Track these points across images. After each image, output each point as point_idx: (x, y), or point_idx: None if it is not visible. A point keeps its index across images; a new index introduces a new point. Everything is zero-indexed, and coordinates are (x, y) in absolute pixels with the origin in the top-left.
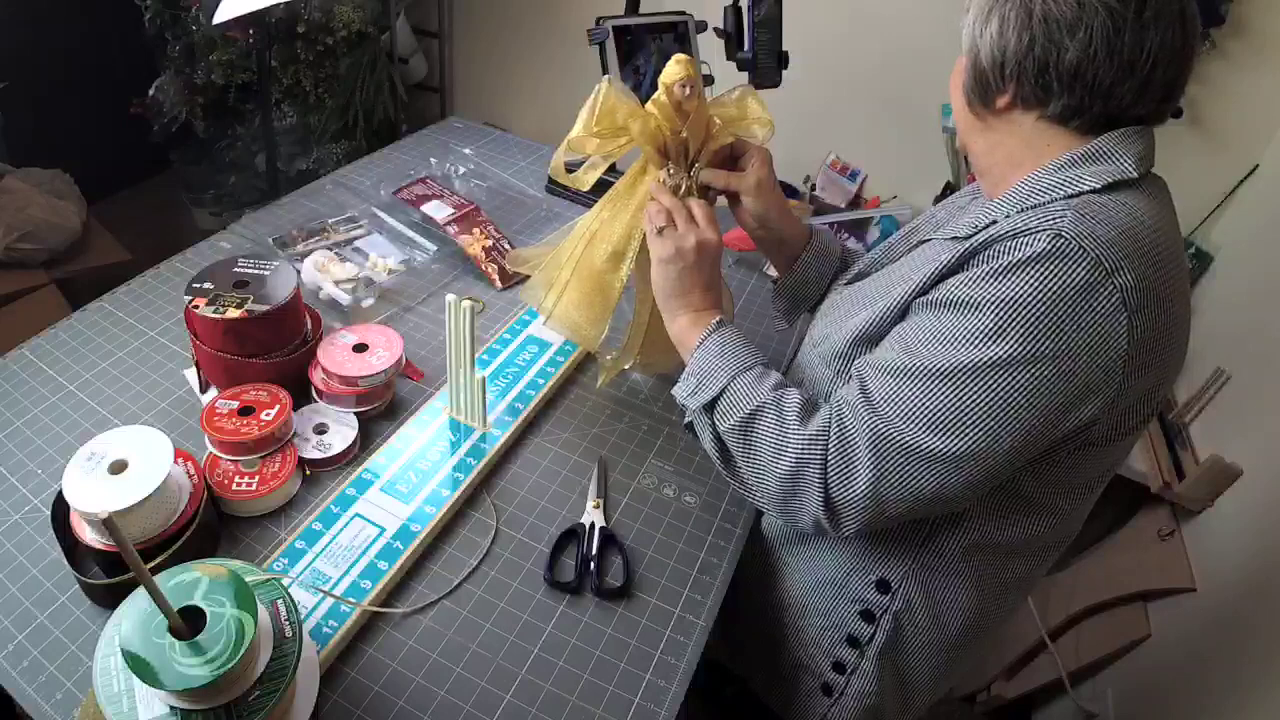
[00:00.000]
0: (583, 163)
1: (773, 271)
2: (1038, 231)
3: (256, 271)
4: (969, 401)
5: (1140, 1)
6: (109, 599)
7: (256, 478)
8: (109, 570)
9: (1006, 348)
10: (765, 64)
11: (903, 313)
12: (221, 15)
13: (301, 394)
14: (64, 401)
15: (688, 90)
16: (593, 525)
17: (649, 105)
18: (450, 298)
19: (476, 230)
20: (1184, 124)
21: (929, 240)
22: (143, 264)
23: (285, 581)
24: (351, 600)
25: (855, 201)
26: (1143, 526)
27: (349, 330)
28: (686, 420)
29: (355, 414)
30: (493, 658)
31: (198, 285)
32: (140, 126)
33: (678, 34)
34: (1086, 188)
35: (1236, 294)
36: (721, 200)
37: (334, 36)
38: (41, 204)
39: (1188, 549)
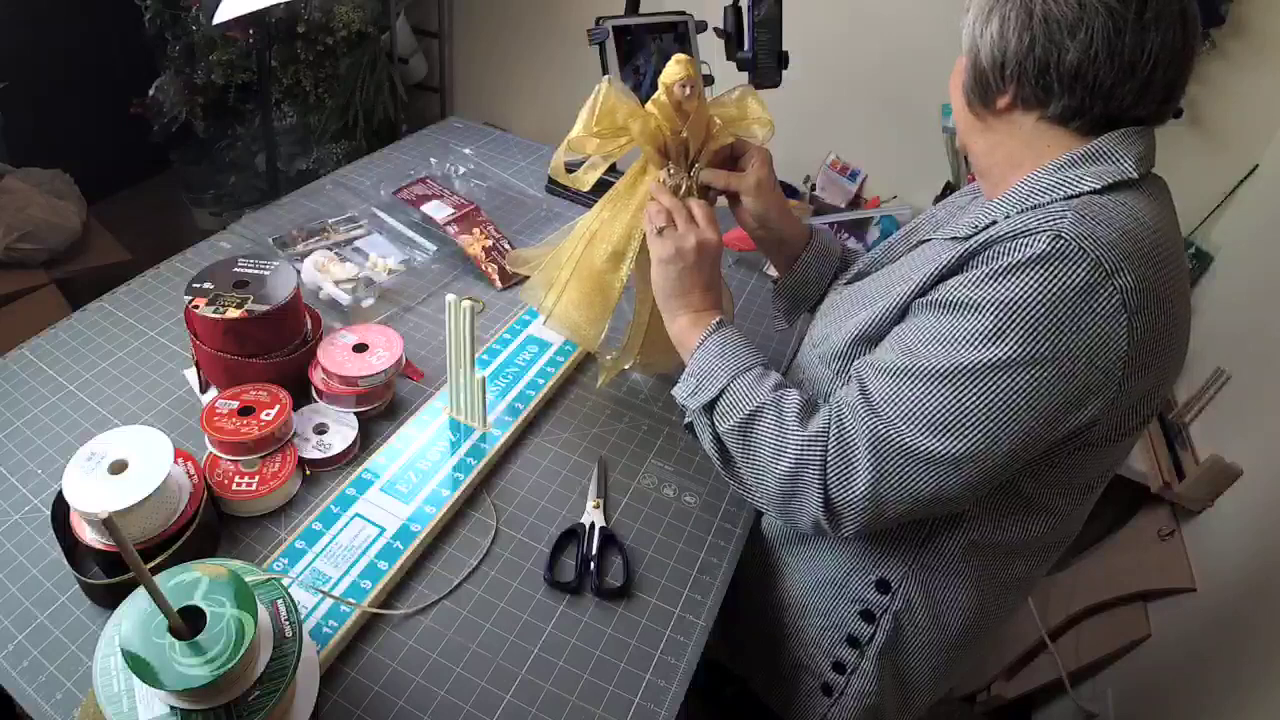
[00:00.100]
0: (583, 163)
1: (773, 271)
2: (1038, 232)
3: (256, 271)
4: (968, 403)
5: (1141, 2)
6: (109, 599)
7: (256, 478)
8: (109, 570)
9: (1006, 349)
10: (765, 64)
11: (902, 313)
12: (221, 15)
13: (301, 394)
14: (64, 401)
15: (688, 90)
16: (593, 525)
17: (649, 105)
18: (450, 298)
19: (476, 230)
20: (1184, 124)
21: (929, 240)
22: (143, 264)
23: (285, 581)
24: (351, 600)
25: (855, 201)
26: (1143, 526)
27: (349, 330)
28: (686, 421)
29: (355, 414)
30: (493, 658)
31: (198, 285)
32: (140, 126)
33: (678, 34)
34: (1086, 188)
35: (1236, 294)
36: (721, 200)
37: (334, 36)
38: (41, 204)
39: (1188, 549)
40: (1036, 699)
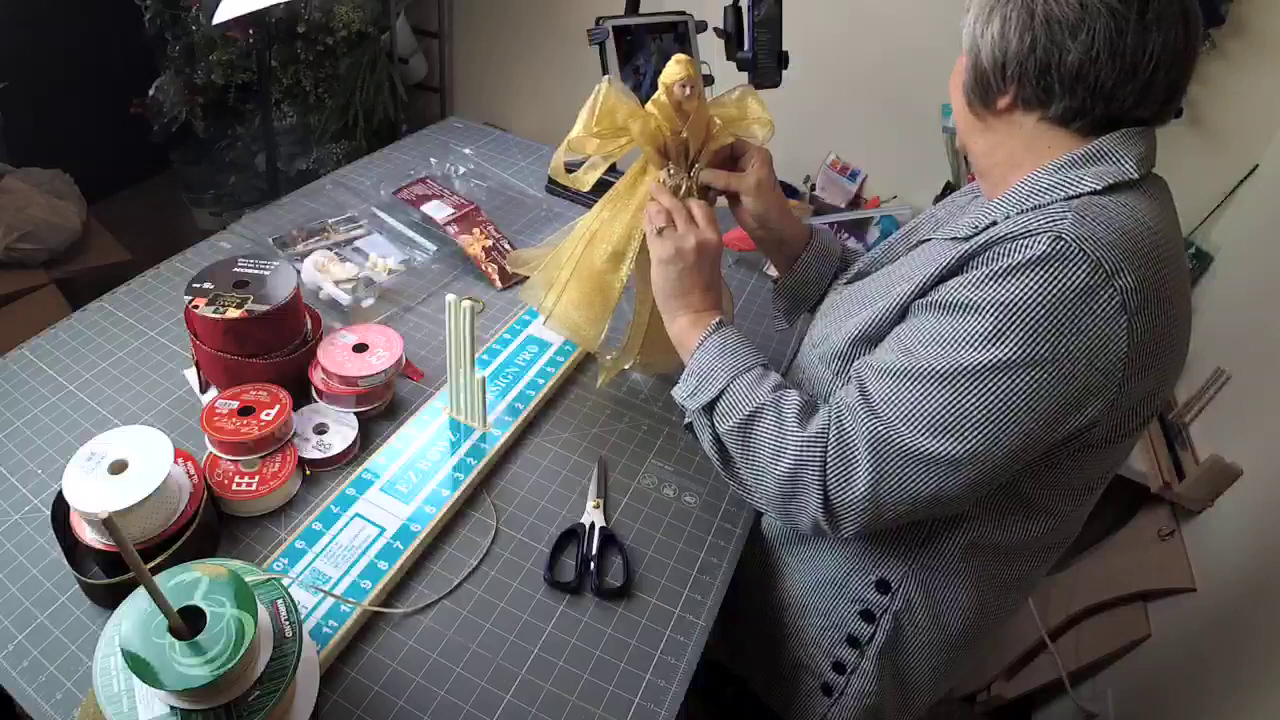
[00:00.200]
0: (583, 163)
1: (773, 271)
2: (1038, 234)
3: (256, 271)
4: (968, 404)
5: (1143, 3)
6: (109, 599)
7: (256, 478)
8: (109, 570)
9: (1006, 350)
10: (765, 64)
11: (902, 314)
12: (221, 15)
13: (301, 394)
14: (64, 401)
15: (688, 90)
16: (593, 525)
17: (649, 105)
18: (450, 298)
19: (476, 230)
20: (1184, 124)
21: (929, 240)
22: (143, 264)
23: (285, 581)
24: (351, 600)
25: (855, 201)
26: (1143, 526)
27: (349, 330)
28: (686, 421)
29: (355, 414)
30: (493, 658)
31: (198, 285)
32: (140, 126)
33: (678, 34)
34: (1087, 189)
35: (1236, 294)
36: (721, 200)
37: (334, 36)
38: (41, 204)
39: (1188, 549)
40: (1036, 699)
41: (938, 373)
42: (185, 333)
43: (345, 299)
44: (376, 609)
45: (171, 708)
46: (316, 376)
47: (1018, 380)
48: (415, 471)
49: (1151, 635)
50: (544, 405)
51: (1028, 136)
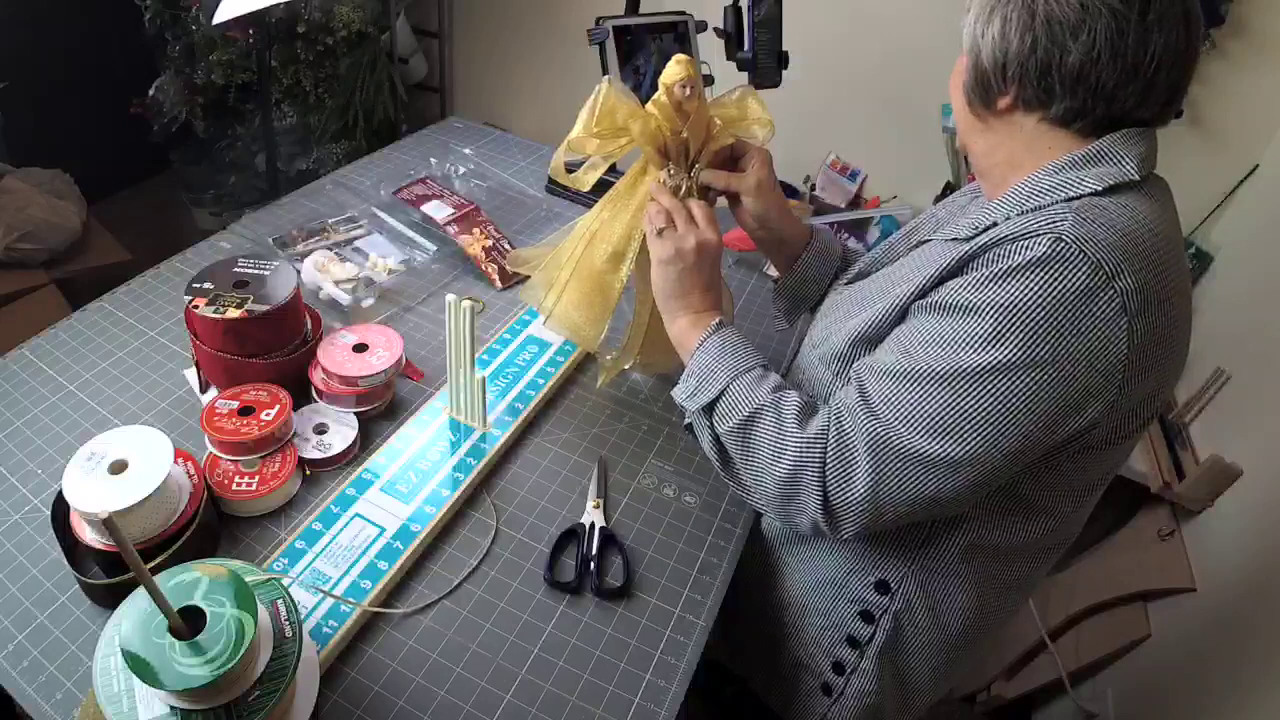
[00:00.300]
0: (583, 163)
1: (773, 271)
2: (1038, 235)
3: (256, 271)
4: (968, 406)
5: (1144, 3)
6: (109, 599)
7: (256, 478)
8: (109, 570)
9: (1006, 352)
10: (765, 64)
11: (902, 315)
12: (221, 15)
13: (301, 394)
14: (64, 401)
15: (688, 91)
16: (593, 525)
17: (649, 106)
18: (450, 298)
19: (476, 230)
20: (1184, 124)
21: (929, 241)
22: (143, 264)
23: (285, 581)
24: (351, 600)
25: (855, 201)
26: (1143, 526)
27: (349, 330)
28: (686, 422)
29: (355, 414)
30: (493, 658)
31: (198, 285)
32: (140, 126)
33: (678, 34)
34: (1087, 190)
35: (1236, 294)
36: (721, 201)
37: (334, 36)
38: (41, 204)
39: (1188, 549)
40: (1036, 699)
41: (937, 374)
42: (185, 333)
43: (345, 299)
44: (376, 609)
45: (171, 708)
46: (316, 376)
47: (1017, 382)
48: (415, 471)
49: (1151, 635)
50: (544, 405)
51: (1028, 137)
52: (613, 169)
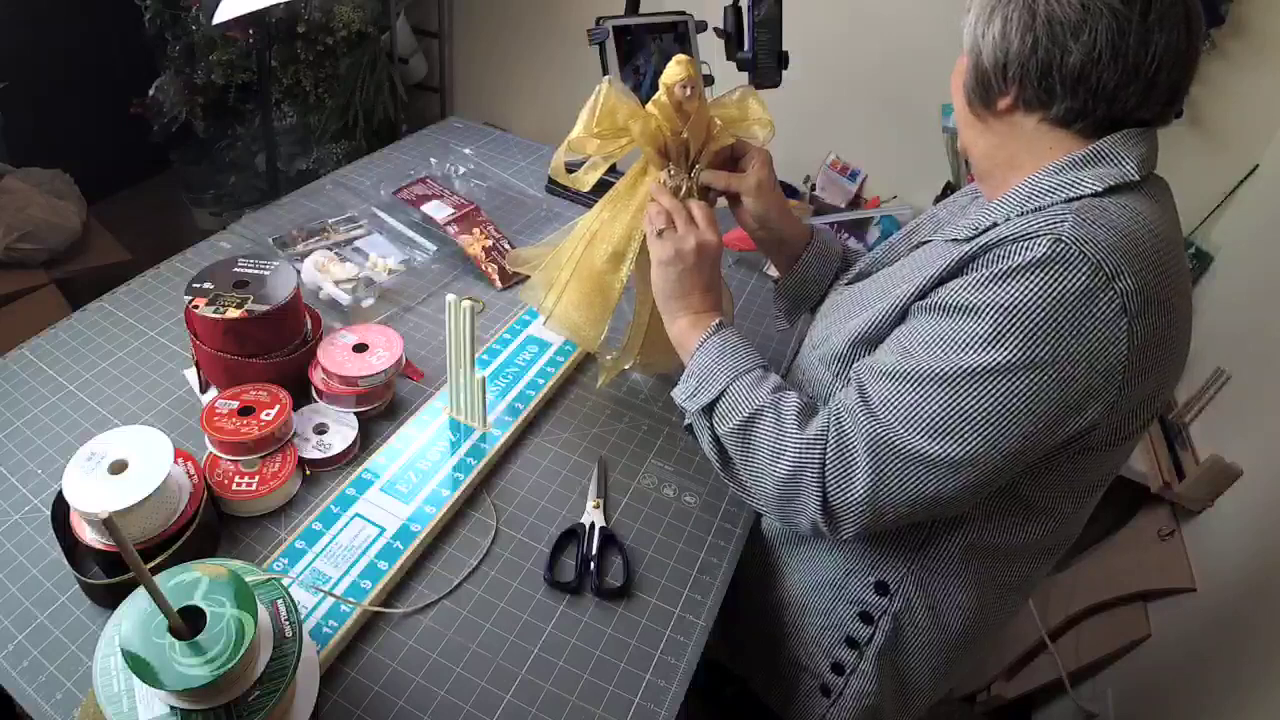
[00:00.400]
0: (583, 163)
1: (773, 271)
2: (1038, 236)
3: (256, 271)
4: (967, 407)
5: (1145, 3)
6: (109, 599)
7: (256, 478)
8: (109, 570)
9: (1006, 353)
10: (765, 64)
11: (902, 315)
12: (221, 15)
13: (301, 394)
14: (64, 401)
15: (688, 91)
16: (593, 525)
17: (649, 106)
18: (450, 298)
19: (476, 230)
20: (1184, 124)
21: (929, 241)
22: (143, 264)
23: (285, 581)
24: (351, 600)
25: (855, 201)
26: (1143, 526)
27: (349, 330)
28: (686, 422)
29: (355, 414)
30: (493, 658)
31: (198, 285)
32: (140, 126)
33: (678, 34)
34: (1088, 191)
35: (1236, 294)
36: (722, 201)
37: (334, 36)
38: (41, 204)
39: (1188, 549)
40: (1036, 699)
41: (937, 375)
42: (185, 333)
43: (345, 299)
44: (376, 609)
45: (171, 708)
46: (316, 376)
47: (1017, 383)
48: (415, 471)
49: (1151, 635)
50: (544, 405)
51: (1029, 137)
52: (613, 169)
